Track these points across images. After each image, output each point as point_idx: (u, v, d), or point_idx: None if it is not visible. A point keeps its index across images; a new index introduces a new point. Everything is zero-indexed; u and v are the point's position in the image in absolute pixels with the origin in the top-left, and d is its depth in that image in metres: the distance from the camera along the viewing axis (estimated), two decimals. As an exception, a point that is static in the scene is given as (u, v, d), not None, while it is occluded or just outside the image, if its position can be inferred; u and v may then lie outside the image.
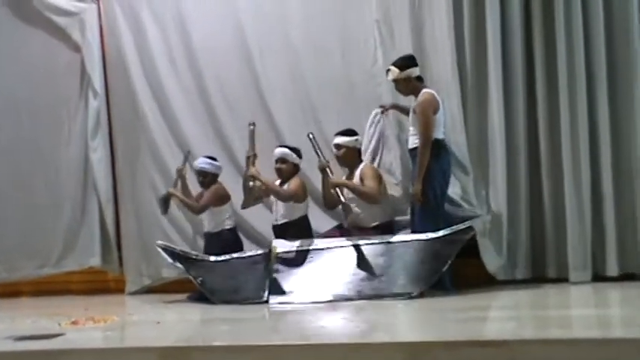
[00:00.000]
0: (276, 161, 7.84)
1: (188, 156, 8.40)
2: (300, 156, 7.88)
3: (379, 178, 7.56)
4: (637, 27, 7.51)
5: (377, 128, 7.78)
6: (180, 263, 7.66)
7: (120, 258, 8.95)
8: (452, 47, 7.76)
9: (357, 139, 7.66)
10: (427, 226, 7.10)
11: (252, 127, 7.97)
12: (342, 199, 7.38)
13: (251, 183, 7.77)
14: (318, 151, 7.64)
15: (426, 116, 7.18)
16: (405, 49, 7.84)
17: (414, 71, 7.36)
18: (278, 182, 7.89)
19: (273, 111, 8.47)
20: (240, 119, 8.51)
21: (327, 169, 7.57)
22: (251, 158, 7.85)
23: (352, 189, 7.47)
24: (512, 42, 7.73)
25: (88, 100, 9.04)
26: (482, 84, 7.79)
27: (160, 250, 7.82)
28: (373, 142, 7.81)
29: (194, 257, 7.71)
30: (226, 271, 7.50)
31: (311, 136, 7.72)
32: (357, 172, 7.56)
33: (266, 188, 7.79)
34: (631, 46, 7.50)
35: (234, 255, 7.65)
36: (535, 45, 7.73)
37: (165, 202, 8.23)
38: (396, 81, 7.39)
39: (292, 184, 7.72)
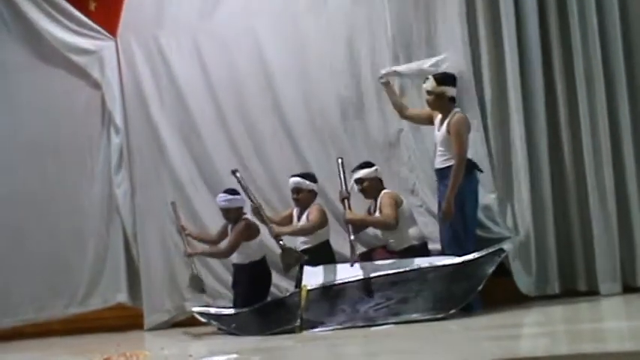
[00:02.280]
0: (292, 192, 7.85)
1: (174, 207, 8.47)
2: (314, 180, 7.89)
3: (396, 204, 7.52)
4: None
5: None
6: (216, 321, 7.68)
7: (140, 293, 9.01)
8: (469, 66, 7.79)
9: (376, 169, 7.67)
10: (453, 249, 7.12)
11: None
12: (351, 236, 7.32)
13: (281, 242, 7.61)
14: (342, 179, 7.63)
15: (461, 136, 7.15)
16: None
17: (450, 91, 7.32)
18: (297, 211, 7.90)
19: (295, 137, 8.50)
20: (262, 148, 8.59)
21: (346, 202, 7.52)
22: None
23: (364, 222, 7.50)
24: (530, 53, 7.70)
25: (110, 136, 9.10)
26: (501, 101, 7.77)
27: (196, 315, 7.87)
28: None
29: (229, 314, 7.69)
30: (260, 315, 7.48)
31: (340, 161, 7.73)
32: (379, 201, 7.56)
33: (292, 233, 7.73)
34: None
35: (270, 302, 7.65)
36: (553, 52, 7.69)
37: (195, 280, 8.16)
38: (429, 92, 7.34)
39: (312, 215, 7.69)
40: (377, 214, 7.54)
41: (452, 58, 7.66)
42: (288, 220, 7.97)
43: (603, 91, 7.50)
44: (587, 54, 7.53)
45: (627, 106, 7.50)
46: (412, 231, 7.53)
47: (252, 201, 7.71)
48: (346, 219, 7.46)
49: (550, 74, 7.73)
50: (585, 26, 7.55)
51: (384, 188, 7.64)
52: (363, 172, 7.63)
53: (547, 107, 7.71)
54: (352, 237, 7.32)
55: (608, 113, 7.50)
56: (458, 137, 7.15)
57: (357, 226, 7.56)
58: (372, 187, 7.63)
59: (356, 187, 7.68)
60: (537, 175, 7.66)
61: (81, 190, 9.17)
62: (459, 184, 7.09)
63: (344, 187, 7.59)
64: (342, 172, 7.65)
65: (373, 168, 7.66)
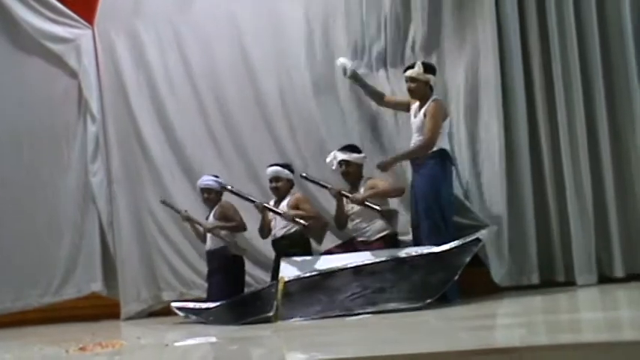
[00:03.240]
0: (271, 180, 7.87)
1: (166, 203, 8.44)
2: (292, 171, 7.93)
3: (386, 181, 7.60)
4: (629, 25, 7.54)
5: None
6: (194, 315, 7.73)
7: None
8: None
9: (364, 157, 7.69)
10: (433, 239, 7.09)
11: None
12: (378, 208, 7.36)
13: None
14: (320, 183, 7.66)
15: (436, 120, 7.18)
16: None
17: (432, 79, 7.36)
18: (273, 201, 7.89)
19: (274, 129, 8.51)
20: (240, 138, 8.58)
21: (343, 192, 7.54)
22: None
23: (379, 194, 7.46)
24: (510, 46, 7.74)
25: (86, 125, 9.08)
26: (474, 98, 7.80)
27: (175, 310, 7.91)
28: None
29: (207, 308, 7.72)
30: (236, 307, 7.48)
31: (304, 174, 7.77)
32: (363, 188, 7.56)
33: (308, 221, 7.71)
34: (625, 44, 7.51)
35: (247, 293, 7.73)
36: (530, 46, 7.76)
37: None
38: (413, 79, 7.33)
39: (303, 205, 7.74)
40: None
41: None
42: (269, 223, 7.96)
43: (580, 86, 7.58)
44: (565, 53, 7.61)
45: (603, 101, 7.57)
46: (390, 220, 7.56)
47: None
48: (360, 200, 7.42)
49: (529, 69, 7.77)
50: (562, 22, 7.62)
51: (362, 176, 7.65)
52: (353, 156, 7.63)
53: (526, 101, 7.74)
54: (379, 208, 7.35)
55: (585, 109, 7.57)
56: (432, 119, 7.18)
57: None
58: (355, 173, 7.64)
59: (334, 166, 7.66)
60: (515, 168, 7.70)
61: (57, 179, 9.18)
62: (413, 156, 7.20)
63: (328, 186, 7.59)
64: (314, 180, 7.70)
65: (362, 155, 7.69)
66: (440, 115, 7.21)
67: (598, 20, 7.61)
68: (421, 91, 7.34)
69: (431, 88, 7.36)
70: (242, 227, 8.06)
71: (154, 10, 8.98)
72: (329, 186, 7.59)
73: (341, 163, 7.63)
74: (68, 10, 9.15)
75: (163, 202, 8.47)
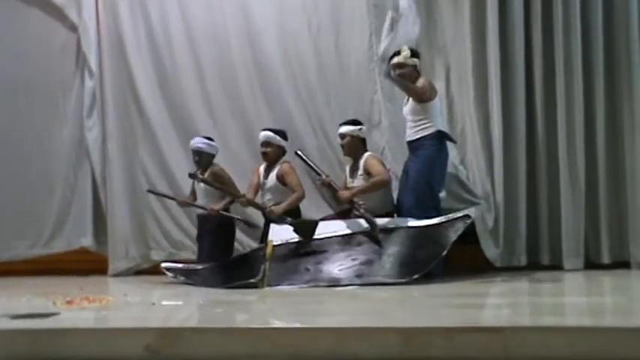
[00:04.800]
0: (261, 145, 7.84)
1: (154, 193, 8.49)
2: (285, 138, 7.88)
3: (383, 163, 7.57)
4: (636, 21, 7.58)
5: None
6: (182, 276, 7.70)
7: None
8: None
9: (361, 129, 7.65)
10: (414, 214, 7.14)
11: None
12: (362, 211, 7.23)
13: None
14: (313, 167, 7.57)
15: (422, 92, 7.21)
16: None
17: (419, 63, 7.38)
18: (264, 165, 7.88)
19: (273, 94, 8.51)
20: (237, 101, 8.58)
21: (332, 184, 7.51)
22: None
23: (364, 191, 7.41)
24: (513, 37, 7.84)
25: (83, 80, 9.04)
26: (481, 79, 7.83)
27: (164, 270, 7.84)
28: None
29: (195, 269, 7.72)
30: (225, 268, 7.50)
31: (299, 153, 7.59)
32: (362, 164, 7.55)
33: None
34: (630, 39, 7.59)
35: (235, 256, 7.76)
36: (533, 35, 7.82)
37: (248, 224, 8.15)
38: (401, 65, 7.29)
39: (289, 178, 7.71)
40: (359, 173, 7.55)
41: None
42: (257, 184, 7.94)
43: (580, 75, 7.69)
44: (568, 41, 7.69)
45: (602, 89, 7.69)
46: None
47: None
48: (346, 199, 7.37)
49: (529, 52, 7.87)
50: (568, 13, 7.71)
51: (366, 150, 7.65)
52: (345, 128, 7.63)
53: (526, 88, 7.84)
54: (362, 210, 7.24)
55: (584, 99, 7.67)
56: (419, 92, 7.22)
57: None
58: (352, 145, 7.63)
59: (338, 141, 7.69)
60: (512, 152, 7.82)
61: (51, 132, 9.14)
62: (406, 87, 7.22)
63: (320, 173, 7.53)
64: (307, 161, 7.56)
65: (357, 127, 7.64)
66: (430, 92, 7.26)
67: (603, 10, 7.70)
68: (410, 75, 7.32)
69: (418, 73, 7.37)
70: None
71: (158, -33, 8.93)
72: (321, 174, 7.50)
73: (339, 136, 7.66)
74: (70, -40, 9.08)
75: (150, 192, 8.48)
